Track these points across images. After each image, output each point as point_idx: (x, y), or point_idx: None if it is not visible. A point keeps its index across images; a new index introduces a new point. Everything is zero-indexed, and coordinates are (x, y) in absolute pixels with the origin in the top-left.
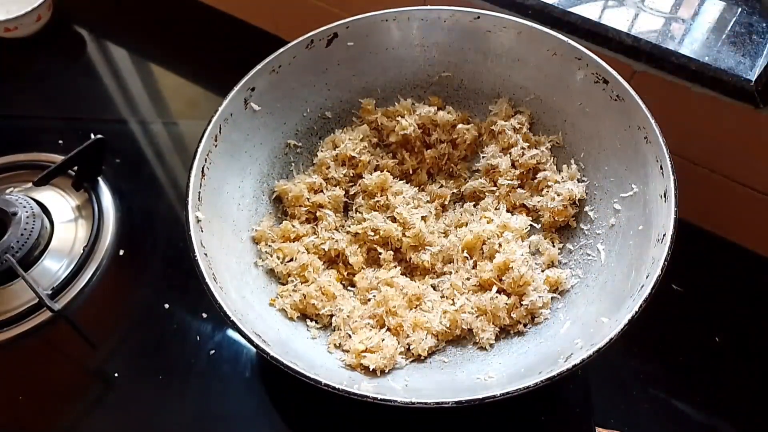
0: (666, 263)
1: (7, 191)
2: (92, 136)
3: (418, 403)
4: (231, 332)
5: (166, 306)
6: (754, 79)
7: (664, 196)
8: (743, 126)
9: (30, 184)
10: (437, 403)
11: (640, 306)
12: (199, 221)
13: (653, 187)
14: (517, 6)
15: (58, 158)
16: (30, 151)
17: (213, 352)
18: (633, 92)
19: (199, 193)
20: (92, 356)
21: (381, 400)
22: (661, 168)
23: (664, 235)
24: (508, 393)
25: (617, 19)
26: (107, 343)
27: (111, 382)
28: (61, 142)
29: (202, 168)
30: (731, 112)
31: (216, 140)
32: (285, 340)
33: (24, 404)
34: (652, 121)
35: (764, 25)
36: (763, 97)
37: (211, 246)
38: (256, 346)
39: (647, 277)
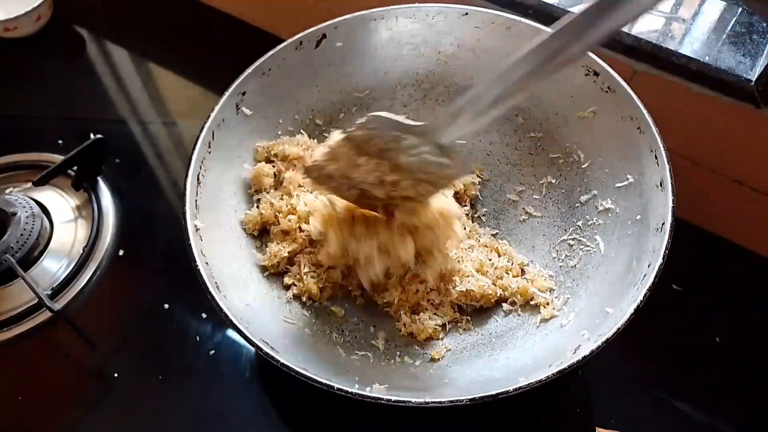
0: (667, 252)
1: (7, 191)
2: (92, 136)
3: (432, 402)
4: (231, 332)
5: (166, 306)
6: (754, 79)
7: (661, 186)
8: (743, 126)
9: (30, 184)
10: (451, 401)
11: (645, 295)
12: (198, 230)
13: (649, 177)
14: (517, 6)
15: (58, 158)
16: (30, 151)
17: (213, 352)
18: (624, 83)
19: (196, 201)
20: (92, 356)
21: (395, 401)
22: (656, 158)
23: (663, 224)
24: (521, 388)
25: None
26: (107, 343)
27: (111, 382)
28: (61, 142)
29: (198, 176)
30: (731, 112)
31: (210, 147)
32: (291, 345)
33: (24, 404)
34: (644, 111)
35: (764, 25)
36: (763, 97)
37: (211, 254)
38: (266, 354)
39: (649, 266)
